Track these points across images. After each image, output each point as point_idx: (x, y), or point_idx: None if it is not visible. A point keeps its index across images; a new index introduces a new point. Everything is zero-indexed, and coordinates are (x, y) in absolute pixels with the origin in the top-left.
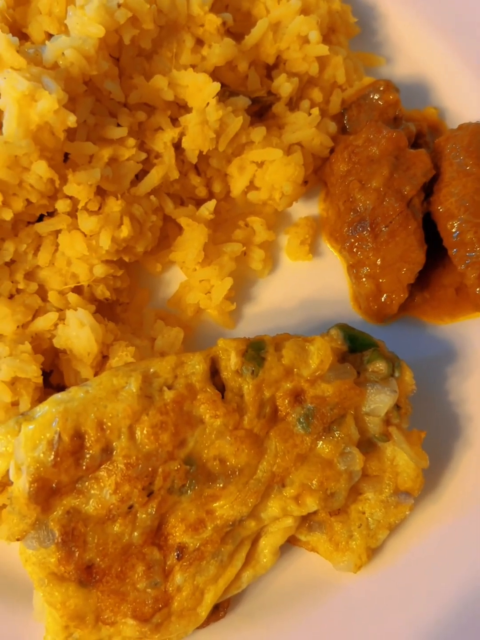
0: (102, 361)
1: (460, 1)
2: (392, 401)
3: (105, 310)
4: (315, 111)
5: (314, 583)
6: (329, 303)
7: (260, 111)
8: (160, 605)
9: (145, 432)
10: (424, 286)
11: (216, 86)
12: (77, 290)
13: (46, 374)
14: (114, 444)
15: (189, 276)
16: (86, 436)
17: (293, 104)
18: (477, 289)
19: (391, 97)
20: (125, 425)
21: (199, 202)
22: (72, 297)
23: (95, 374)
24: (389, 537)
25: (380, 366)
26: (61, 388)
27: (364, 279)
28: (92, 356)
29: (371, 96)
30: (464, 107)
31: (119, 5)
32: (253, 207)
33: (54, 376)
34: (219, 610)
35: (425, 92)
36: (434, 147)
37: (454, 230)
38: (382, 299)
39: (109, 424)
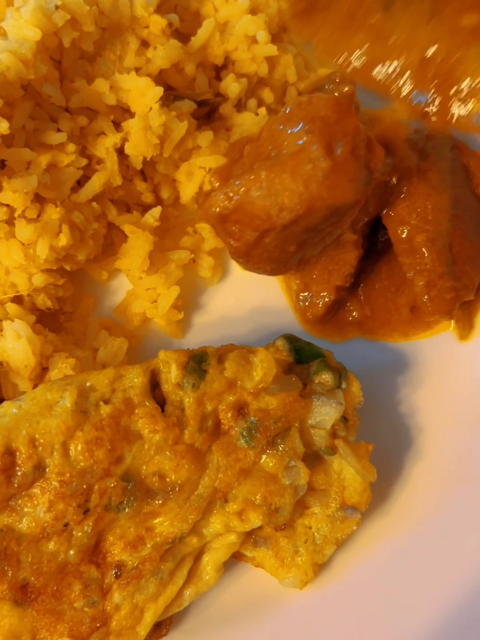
0: (41, 373)
1: None
2: (338, 413)
3: (48, 319)
4: (263, 111)
5: (259, 599)
6: (281, 312)
7: (209, 113)
8: (98, 624)
9: (79, 448)
10: (366, 303)
11: (159, 91)
12: (18, 299)
13: None
14: (47, 460)
15: (134, 284)
16: (17, 453)
17: (242, 105)
18: (425, 297)
19: (346, 89)
20: (58, 441)
21: (146, 209)
22: (11, 308)
23: (34, 387)
24: (336, 552)
25: (326, 377)
26: None
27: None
28: (30, 369)
29: (326, 88)
30: None
31: (56, 8)
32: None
33: None
34: (161, 628)
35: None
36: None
37: (404, 236)
38: (309, 298)
39: (42, 440)
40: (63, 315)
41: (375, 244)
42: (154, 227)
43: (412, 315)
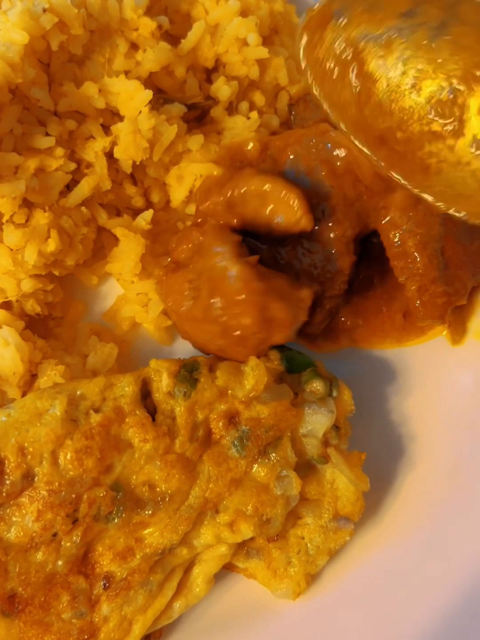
0: (30, 380)
1: None
2: (330, 422)
3: (37, 325)
4: (254, 115)
5: (250, 610)
6: None
7: (200, 116)
8: (86, 636)
9: (68, 457)
10: (360, 311)
11: (148, 94)
12: (6, 305)
13: None
14: (36, 469)
15: (126, 289)
16: (6, 461)
17: (233, 108)
18: (417, 302)
19: None
20: (47, 450)
21: (136, 212)
22: (0, 314)
23: (23, 394)
24: (328, 562)
25: (317, 386)
26: None
27: None
28: (18, 376)
29: None
30: None
31: (44, 10)
32: (193, 219)
33: None
34: None
35: None
36: None
37: (396, 240)
38: None
39: (31, 449)
40: (52, 320)
41: (367, 247)
42: (146, 230)
43: (406, 321)
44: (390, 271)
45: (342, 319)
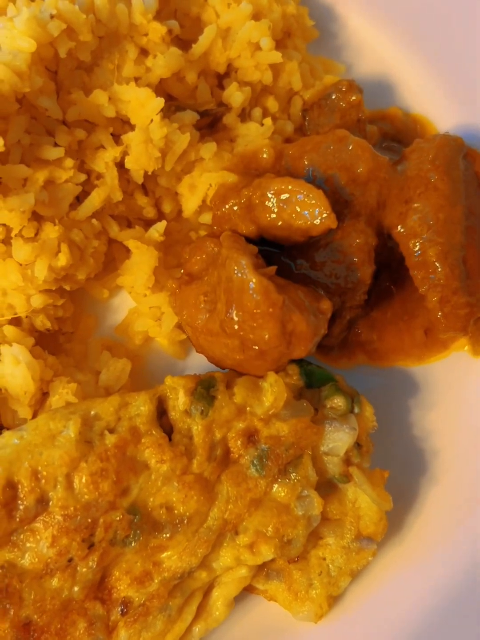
0: (41, 398)
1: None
2: (352, 439)
3: (47, 340)
4: (268, 121)
5: (271, 633)
6: None
7: (212, 123)
8: None
9: (83, 480)
10: (377, 327)
11: (160, 102)
12: (16, 321)
13: None
14: (50, 494)
15: (138, 302)
16: (19, 486)
17: (246, 114)
18: (439, 314)
19: (354, 98)
20: (61, 473)
21: (147, 223)
22: (9, 330)
23: (35, 413)
24: (351, 583)
25: (338, 402)
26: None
27: None
28: (30, 395)
29: (333, 97)
30: (429, 111)
31: (51, 17)
32: (207, 228)
33: None
34: None
35: (389, 97)
36: (401, 158)
37: (416, 249)
38: None
39: (45, 472)
40: (63, 336)
41: (385, 257)
42: (158, 242)
43: (427, 338)
44: (409, 282)
45: (358, 331)
